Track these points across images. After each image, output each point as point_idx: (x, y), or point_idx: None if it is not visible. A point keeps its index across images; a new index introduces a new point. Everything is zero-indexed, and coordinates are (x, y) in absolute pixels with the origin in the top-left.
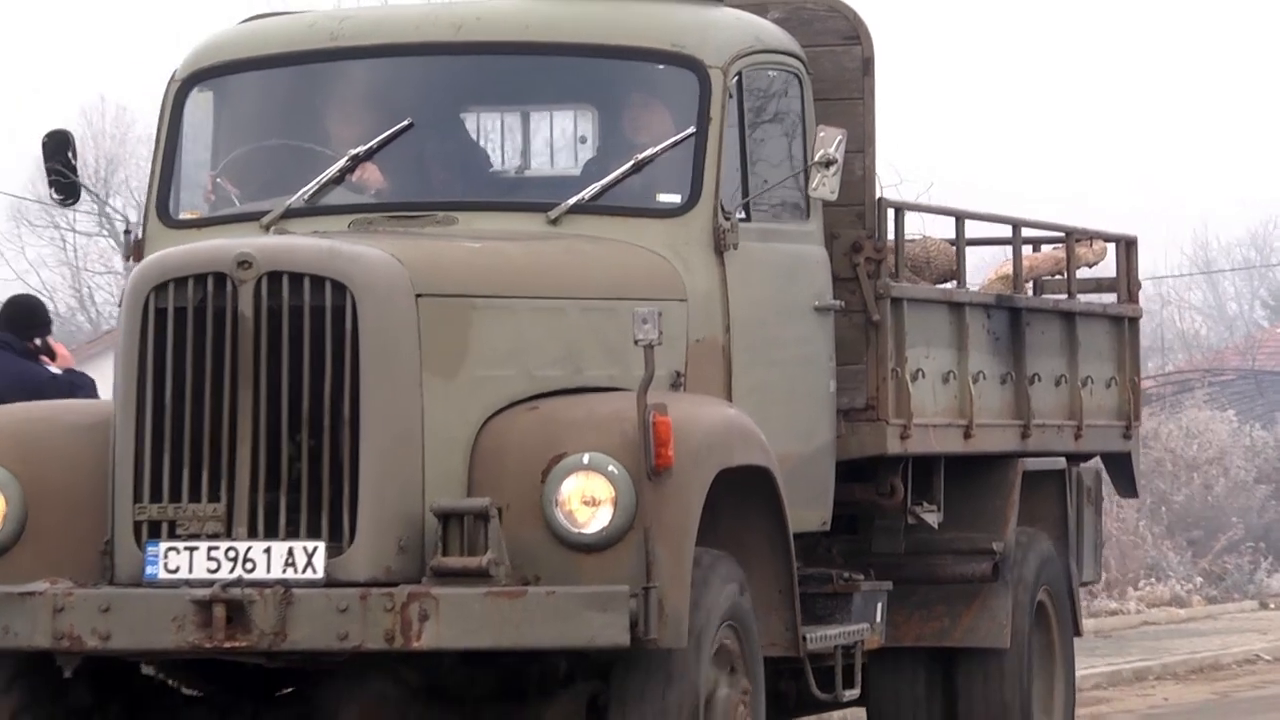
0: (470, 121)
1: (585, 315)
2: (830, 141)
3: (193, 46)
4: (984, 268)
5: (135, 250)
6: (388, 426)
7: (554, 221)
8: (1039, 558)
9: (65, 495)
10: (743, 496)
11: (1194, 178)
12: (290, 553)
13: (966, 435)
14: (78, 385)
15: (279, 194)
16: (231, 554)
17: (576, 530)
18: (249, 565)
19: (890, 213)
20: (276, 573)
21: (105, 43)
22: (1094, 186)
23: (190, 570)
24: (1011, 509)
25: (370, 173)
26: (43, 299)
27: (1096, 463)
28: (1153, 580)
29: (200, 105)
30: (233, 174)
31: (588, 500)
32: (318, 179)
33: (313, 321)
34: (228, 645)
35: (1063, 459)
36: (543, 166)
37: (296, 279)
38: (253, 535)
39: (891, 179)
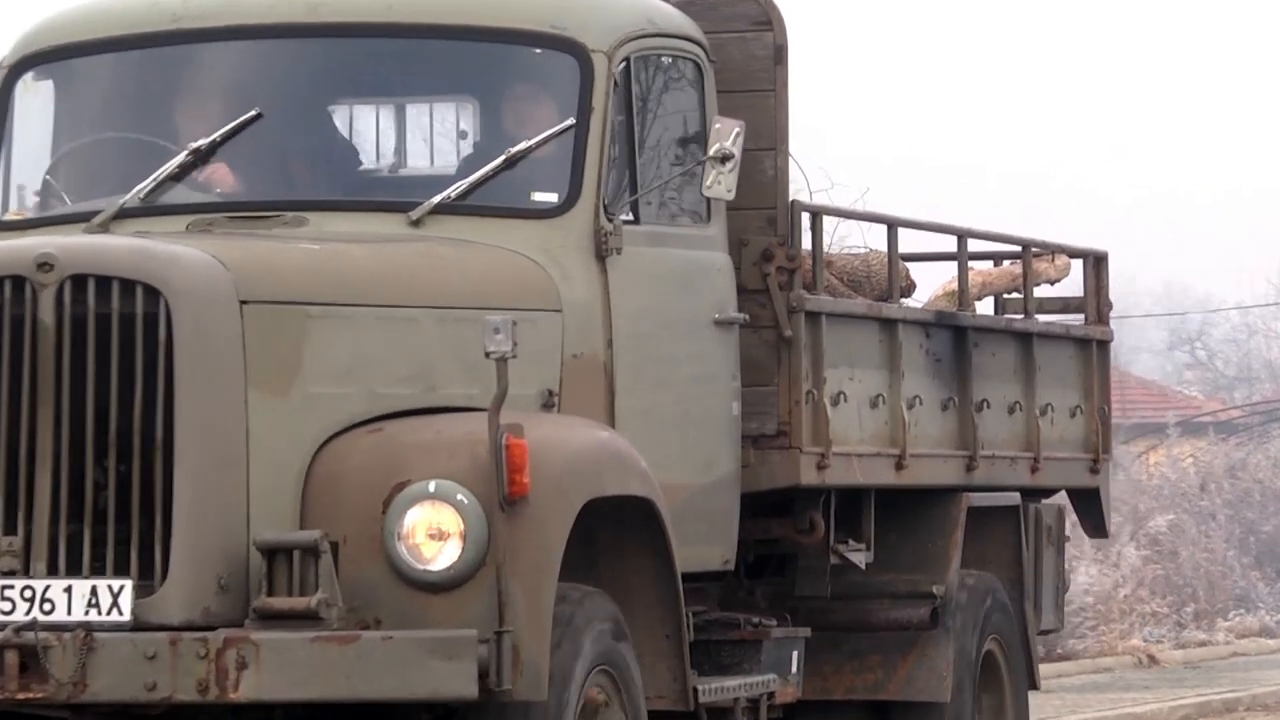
0: (342, 114)
1: (441, 327)
2: (727, 134)
3: (23, 29)
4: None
5: None
6: (207, 450)
7: (416, 223)
8: (986, 603)
9: None
10: (622, 531)
11: None
12: (94, 592)
13: (899, 466)
14: None
15: (117, 192)
16: (28, 593)
17: (421, 567)
18: (47, 606)
19: (806, 217)
20: (78, 614)
21: None
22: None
23: None
24: (954, 548)
25: (219, 170)
26: None
27: (1061, 498)
28: (1242, 611)
29: (32, 93)
30: (67, 170)
31: (434, 533)
32: (153, 175)
33: (121, 331)
34: (20, 696)
35: (1017, 494)
36: (421, 164)
37: (103, 283)
38: (52, 572)
39: (821, 183)
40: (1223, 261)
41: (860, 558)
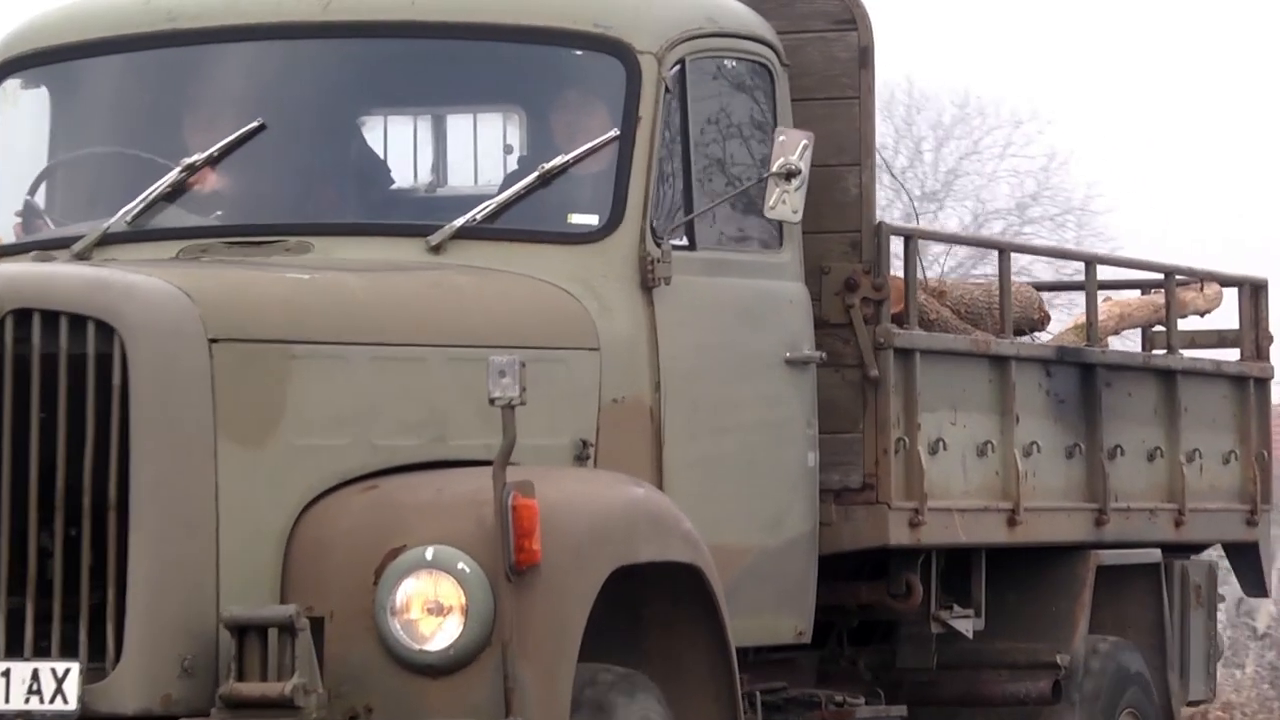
0: (376, 127)
1: (452, 368)
2: (792, 147)
3: (4, 32)
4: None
5: None
6: (169, 511)
7: (436, 249)
8: (1121, 672)
9: None
10: (674, 603)
11: None
12: (35, 676)
13: (1012, 522)
14: None
15: (105, 214)
16: None
17: (417, 646)
18: None
19: (898, 242)
20: (16, 703)
21: None
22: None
23: None
24: (1081, 612)
25: (218, 189)
26: None
27: (1213, 553)
28: None
29: (14, 102)
30: (51, 190)
31: (431, 607)
32: (141, 196)
33: (71, 373)
34: None
35: (1158, 551)
36: (464, 182)
37: (50, 318)
38: None
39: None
40: None
41: (967, 625)
